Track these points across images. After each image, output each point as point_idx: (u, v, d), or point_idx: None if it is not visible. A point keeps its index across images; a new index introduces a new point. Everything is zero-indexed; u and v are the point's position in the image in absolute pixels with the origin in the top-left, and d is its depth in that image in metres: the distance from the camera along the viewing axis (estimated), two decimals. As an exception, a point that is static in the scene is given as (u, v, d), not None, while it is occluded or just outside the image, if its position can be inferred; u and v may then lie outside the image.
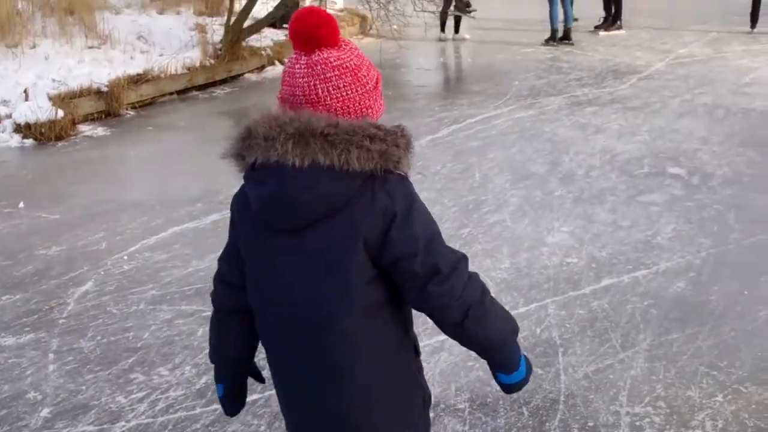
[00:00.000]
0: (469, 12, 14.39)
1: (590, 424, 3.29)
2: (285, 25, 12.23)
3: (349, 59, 1.86)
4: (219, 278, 2.08)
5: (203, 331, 4.01)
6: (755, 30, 13.22)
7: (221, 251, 2.06)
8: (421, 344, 3.83)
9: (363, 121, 1.83)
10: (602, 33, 14.17)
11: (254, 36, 11.32)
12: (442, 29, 14.17)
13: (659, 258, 4.81)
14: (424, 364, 3.29)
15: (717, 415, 3.31)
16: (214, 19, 11.76)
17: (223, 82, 10.45)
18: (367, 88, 1.89)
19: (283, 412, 2.07)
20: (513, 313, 4.07)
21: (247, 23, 11.07)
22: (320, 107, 1.81)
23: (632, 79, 10.15)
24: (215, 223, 5.44)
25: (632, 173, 6.38)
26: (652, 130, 7.53)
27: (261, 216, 1.86)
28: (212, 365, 2.19)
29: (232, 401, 2.20)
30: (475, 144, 7.34)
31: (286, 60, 2.01)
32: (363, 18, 14.31)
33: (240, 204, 1.94)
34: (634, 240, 5.08)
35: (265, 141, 1.79)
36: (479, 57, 12.69)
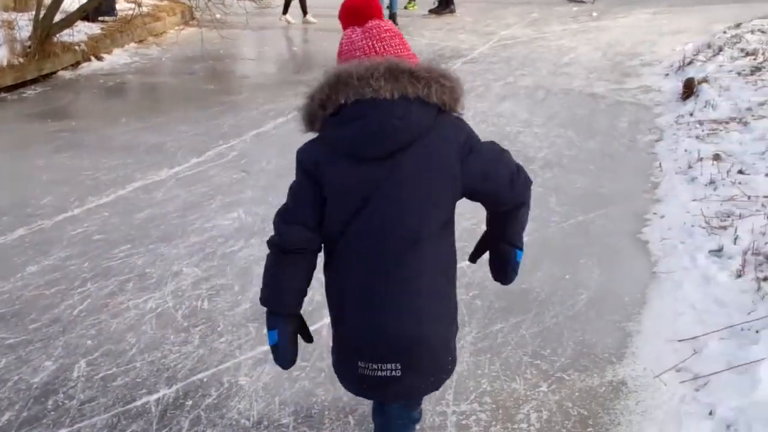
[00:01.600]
0: None
1: (416, 427, 3.21)
2: (101, 18, 11.69)
3: (393, 27, 2.33)
4: (294, 221, 2.31)
5: (5, 362, 3.69)
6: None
7: (288, 204, 2.34)
8: (243, 356, 3.71)
9: (432, 63, 2.23)
10: (433, 16, 14.34)
11: (66, 31, 10.70)
12: (285, 11, 13.99)
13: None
14: (245, 379, 3.13)
15: (542, 407, 3.31)
16: (22, 14, 11.05)
17: (34, 81, 9.80)
18: (409, 50, 2.32)
19: (344, 329, 2.36)
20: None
21: (58, 17, 10.45)
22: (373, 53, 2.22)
23: (457, 63, 10.25)
24: (22, 239, 5.05)
25: (457, 160, 6.39)
26: (476, 114, 7.57)
27: (357, 147, 2.17)
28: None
29: (290, 347, 2.43)
30: (301, 137, 7.16)
31: (343, 34, 2.35)
32: (184, 7, 13.83)
33: (319, 152, 2.25)
34: (460, 229, 5.04)
35: (358, 81, 2.12)
36: (306, 45, 12.56)
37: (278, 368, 3.53)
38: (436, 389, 2.49)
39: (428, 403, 3.33)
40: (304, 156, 2.30)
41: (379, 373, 2.28)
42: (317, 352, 3.72)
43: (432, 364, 2.35)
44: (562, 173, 6.01)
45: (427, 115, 2.17)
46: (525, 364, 3.60)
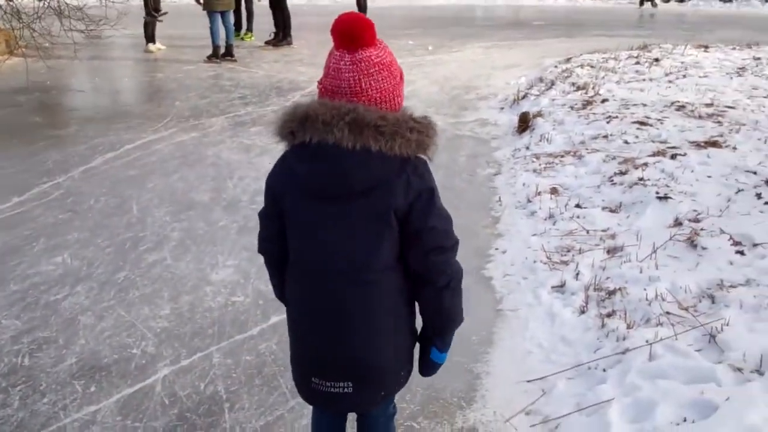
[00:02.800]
0: (159, 17, 13.80)
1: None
2: None
3: (384, 56, 2.26)
4: (263, 237, 2.49)
5: None
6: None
7: (260, 216, 2.47)
8: (68, 419, 3.37)
9: (403, 114, 2.23)
10: (271, 48, 14.19)
11: None
12: (150, 39, 13.78)
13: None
14: None
15: (391, 459, 3.15)
16: None
17: None
18: (397, 80, 2.31)
19: (298, 347, 2.48)
20: (176, 366, 3.76)
21: None
22: (363, 97, 2.21)
23: (295, 95, 10.13)
24: None
25: (298, 196, 6.23)
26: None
27: (312, 186, 2.25)
28: None
29: None
30: (134, 173, 6.83)
31: (332, 54, 2.28)
32: (8, 36, 13.07)
33: (285, 177, 2.30)
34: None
35: (323, 125, 2.17)
36: (138, 75, 12.10)
37: (107, 431, 3.30)
38: (391, 397, 2.64)
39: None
40: (270, 184, 2.39)
41: (332, 390, 2.42)
42: (150, 412, 3.45)
43: (383, 380, 2.47)
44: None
45: (387, 167, 2.20)
46: (373, 414, 3.45)
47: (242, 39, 15.14)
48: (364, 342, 2.36)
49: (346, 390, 2.41)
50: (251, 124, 8.68)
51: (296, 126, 2.24)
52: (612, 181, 6.02)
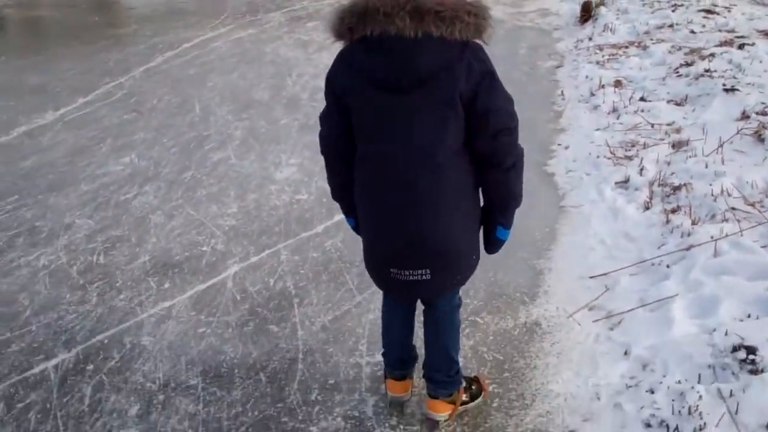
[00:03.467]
0: None
1: (331, 381, 3.11)
2: None
3: None
4: (328, 136, 2.51)
5: None
6: None
7: (322, 117, 2.50)
8: (145, 314, 3.53)
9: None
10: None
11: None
12: None
13: (390, 185, 4.70)
14: (148, 338, 3.36)
15: (457, 352, 3.24)
16: None
17: None
18: None
19: (374, 241, 2.55)
20: (245, 263, 3.87)
21: None
22: None
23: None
24: None
25: (357, 92, 6.23)
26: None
27: (377, 78, 2.27)
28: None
29: None
30: (193, 71, 6.89)
31: None
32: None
33: (347, 73, 2.33)
34: (364, 167, 4.93)
35: (384, 16, 2.19)
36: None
37: (182, 326, 3.45)
38: (463, 284, 2.69)
39: (341, 354, 3.25)
40: (332, 77, 2.41)
41: (411, 278, 2.50)
42: (222, 307, 3.57)
43: (459, 264, 2.55)
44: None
45: (449, 52, 2.24)
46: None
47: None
48: (438, 227, 2.42)
49: (424, 277, 2.49)
50: (307, 18, 8.62)
51: (355, 20, 2.24)
52: (677, 72, 5.89)
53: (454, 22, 2.19)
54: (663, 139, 4.87)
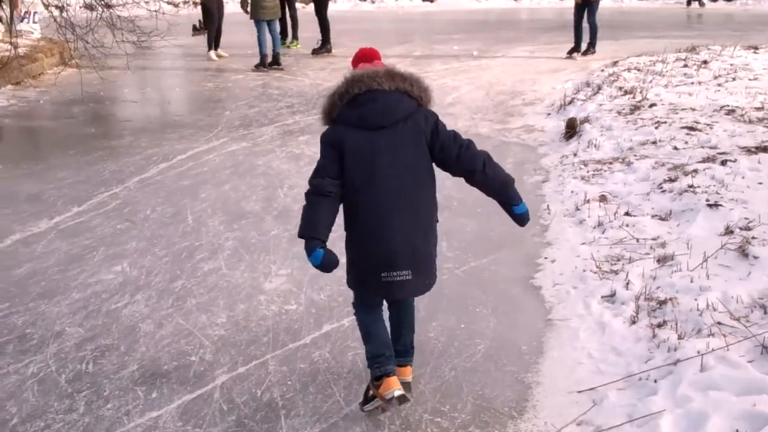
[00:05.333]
0: (200, 30, 14.19)
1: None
2: None
3: (384, 65, 3.43)
4: (325, 175, 3.25)
5: None
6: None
7: (318, 166, 3.30)
8: (132, 424, 3.49)
9: (413, 74, 3.39)
10: (316, 57, 14.35)
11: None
12: (212, 46, 14.37)
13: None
14: None
15: (445, 467, 3.23)
16: None
17: None
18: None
19: (370, 250, 3.27)
20: (233, 374, 3.87)
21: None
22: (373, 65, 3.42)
23: (343, 103, 10.22)
24: None
25: (348, 205, 6.33)
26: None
27: (361, 119, 3.24)
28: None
29: (332, 255, 3.24)
30: (187, 183, 6.99)
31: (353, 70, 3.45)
32: (63, 48, 13.37)
33: (340, 131, 3.28)
34: (353, 278, 4.97)
35: (368, 78, 3.26)
36: (188, 85, 12.32)
37: None
38: (429, 290, 3.49)
39: (329, 469, 3.22)
40: (330, 135, 3.32)
41: (398, 278, 3.26)
42: (209, 418, 3.56)
43: (428, 270, 3.39)
44: (452, 217, 6.00)
45: (411, 104, 3.32)
46: (425, 422, 3.53)
47: (288, 47, 15.28)
48: (420, 233, 3.30)
49: (407, 277, 3.26)
50: (299, 132, 8.81)
51: (346, 88, 3.27)
52: (661, 188, 6.02)
53: (413, 84, 3.33)
54: (648, 254, 4.95)
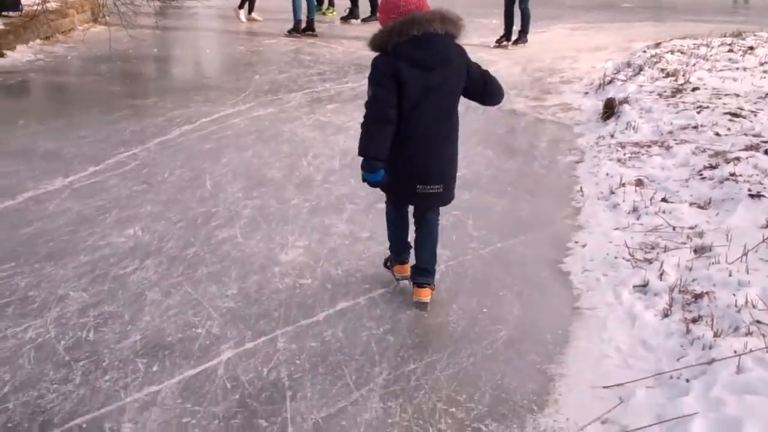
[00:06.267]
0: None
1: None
2: (4, 13, 11.33)
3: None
4: (387, 104, 3.71)
5: None
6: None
7: (378, 95, 3.74)
8: (129, 398, 3.28)
9: (452, 11, 3.83)
10: (354, 22, 14.06)
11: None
12: (242, 5, 14.06)
13: (397, 274, 4.52)
14: (129, 426, 3.23)
15: (456, 462, 3.02)
16: None
17: (-76, 75, 9.18)
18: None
19: (411, 167, 3.86)
20: (240, 349, 3.68)
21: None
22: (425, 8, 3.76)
23: (375, 73, 9.95)
24: None
25: (372, 177, 6.10)
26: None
27: (422, 60, 3.68)
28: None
29: (385, 178, 3.81)
30: (209, 146, 6.79)
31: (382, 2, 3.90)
32: (93, 4, 13.19)
33: (396, 62, 3.67)
34: (372, 254, 4.76)
35: (426, 22, 3.66)
36: (219, 48, 12.11)
37: (166, 414, 3.27)
38: (453, 199, 4.14)
39: (333, 457, 3.02)
40: (386, 63, 3.73)
41: (431, 191, 3.92)
42: (211, 396, 3.37)
43: (452, 186, 4.05)
44: (480, 195, 5.77)
45: (455, 46, 3.81)
46: (439, 412, 3.30)
47: (324, 14, 15.00)
48: (448, 156, 3.96)
49: (438, 190, 3.94)
50: (328, 101, 8.57)
51: (406, 28, 3.66)
52: (701, 175, 5.73)
53: (456, 25, 3.79)
54: (685, 243, 4.68)
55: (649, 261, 4.51)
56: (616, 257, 4.62)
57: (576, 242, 4.96)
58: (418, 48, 3.67)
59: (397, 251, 4.33)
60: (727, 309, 3.85)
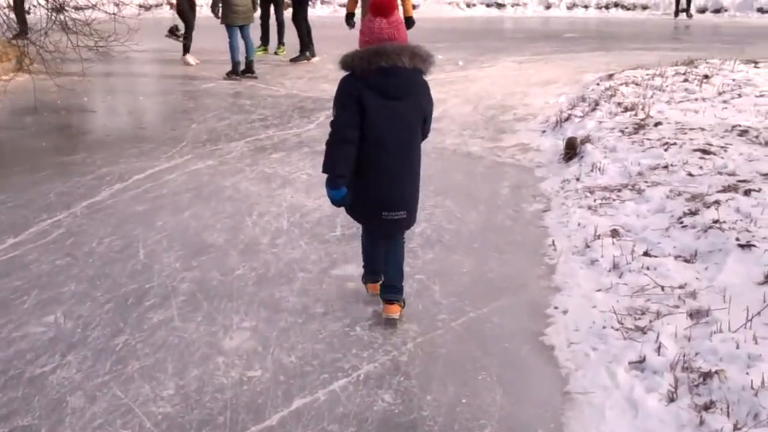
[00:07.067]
0: (178, 37, 13.36)
1: None
2: None
3: (399, 16, 4.03)
4: (349, 125, 3.90)
5: None
6: None
7: (341, 117, 3.95)
8: None
9: (424, 47, 4.01)
10: (294, 64, 13.55)
11: None
12: (186, 51, 13.60)
13: (359, 358, 3.96)
14: None
15: None
16: None
17: None
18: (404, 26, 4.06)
19: (375, 195, 4.06)
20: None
21: None
22: (396, 42, 3.89)
23: (320, 116, 9.43)
24: None
25: (324, 237, 5.55)
26: (343, 179, 6.73)
27: (385, 90, 3.87)
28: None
29: (348, 196, 4.05)
30: (142, 208, 6.17)
31: (363, 21, 4.01)
32: (22, 53, 12.43)
33: (362, 87, 3.86)
34: (329, 333, 4.20)
35: (396, 55, 3.84)
36: (154, 94, 11.47)
37: None
38: (415, 222, 4.31)
39: None
40: (350, 87, 3.89)
41: (395, 217, 4.06)
42: None
43: (416, 209, 4.20)
44: (444, 253, 5.25)
45: (421, 79, 3.97)
46: None
47: (276, 54, 14.40)
48: (413, 182, 4.12)
49: (402, 216, 4.08)
50: (272, 149, 8.02)
51: (374, 58, 3.80)
52: (681, 222, 5.28)
53: (424, 60, 3.92)
54: (678, 307, 4.20)
55: (642, 330, 4.01)
56: (603, 326, 4.12)
57: (555, 308, 4.45)
58: (383, 77, 3.84)
59: (371, 272, 4.53)
60: (743, 392, 3.35)
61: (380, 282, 4.41)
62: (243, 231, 5.68)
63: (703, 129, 7.70)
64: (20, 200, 6.39)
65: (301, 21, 13.76)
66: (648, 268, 4.69)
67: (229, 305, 4.53)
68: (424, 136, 4.13)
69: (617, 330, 4.05)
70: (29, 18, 10.45)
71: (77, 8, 10.79)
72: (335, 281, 4.83)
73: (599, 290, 4.54)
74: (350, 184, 4.00)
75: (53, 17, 10.35)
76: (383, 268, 4.37)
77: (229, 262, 5.14)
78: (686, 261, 4.77)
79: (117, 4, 10.79)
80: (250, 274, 4.94)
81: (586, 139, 7.53)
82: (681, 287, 4.42)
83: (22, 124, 9.37)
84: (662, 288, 4.43)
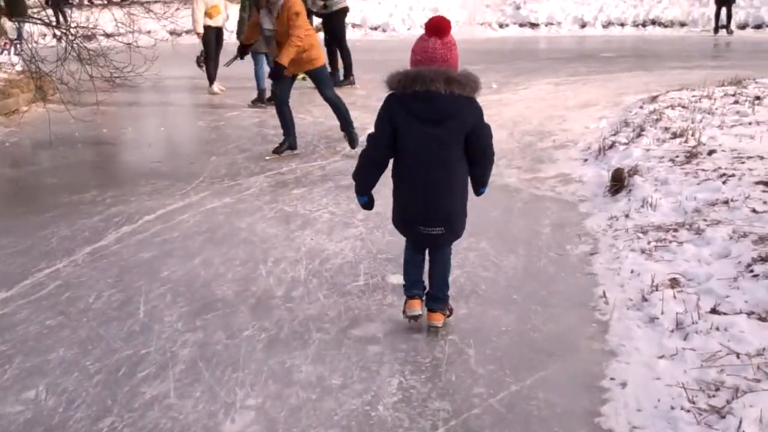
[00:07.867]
0: (202, 66, 13.01)
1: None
2: None
3: (453, 39, 4.04)
4: (378, 145, 4.09)
5: None
6: None
7: (375, 135, 4.09)
8: None
9: (464, 71, 3.97)
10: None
11: None
12: (211, 81, 13.24)
13: (382, 447, 3.35)
14: None
15: None
16: None
17: None
18: (457, 51, 4.06)
19: (410, 210, 4.18)
20: None
21: None
22: (447, 63, 3.94)
23: (346, 146, 8.87)
24: None
25: (345, 288, 4.96)
26: (367, 218, 6.15)
27: (418, 113, 3.93)
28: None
29: (372, 201, 4.35)
30: (148, 255, 5.64)
31: (417, 40, 4.06)
32: (42, 82, 12.02)
33: (397, 108, 3.98)
34: (345, 413, 3.60)
35: (429, 81, 3.87)
36: (175, 124, 11.02)
37: None
38: (460, 237, 4.37)
39: None
40: (386, 111, 4.06)
41: (432, 232, 4.17)
42: None
43: (458, 226, 4.27)
44: (481, 308, 4.65)
45: (461, 101, 3.94)
46: None
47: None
48: (449, 200, 4.11)
49: (440, 232, 4.16)
50: (294, 184, 7.48)
51: (410, 82, 3.91)
52: (751, 270, 4.63)
53: (465, 86, 3.93)
54: (759, 381, 3.54)
55: (719, 412, 3.36)
56: (672, 406, 3.47)
57: (612, 379, 3.80)
58: (418, 101, 3.92)
59: (409, 283, 4.44)
60: None
61: (420, 297, 4.39)
62: (255, 282, 5.11)
63: (762, 157, 7.02)
64: (20, 246, 5.91)
65: (335, 46, 13.28)
66: (718, 329, 4.04)
67: (233, 376, 3.95)
68: (484, 153, 4.11)
69: (688, 411, 3.40)
70: (42, 46, 10.01)
71: (87, 37, 10.36)
72: (355, 344, 4.24)
73: (662, 356, 3.90)
74: (392, 191, 4.22)
75: (69, 47, 9.92)
76: (420, 281, 4.43)
77: (238, 320, 4.57)
78: (761, 320, 4.11)
79: (132, 32, 10.26)
80: (260, 336, 4.36)
81: (634, 170, 6.88)
82: (759, 354, 3.77)
83: (36, 159, 9.00)
84: (737, 355, 3.77)
